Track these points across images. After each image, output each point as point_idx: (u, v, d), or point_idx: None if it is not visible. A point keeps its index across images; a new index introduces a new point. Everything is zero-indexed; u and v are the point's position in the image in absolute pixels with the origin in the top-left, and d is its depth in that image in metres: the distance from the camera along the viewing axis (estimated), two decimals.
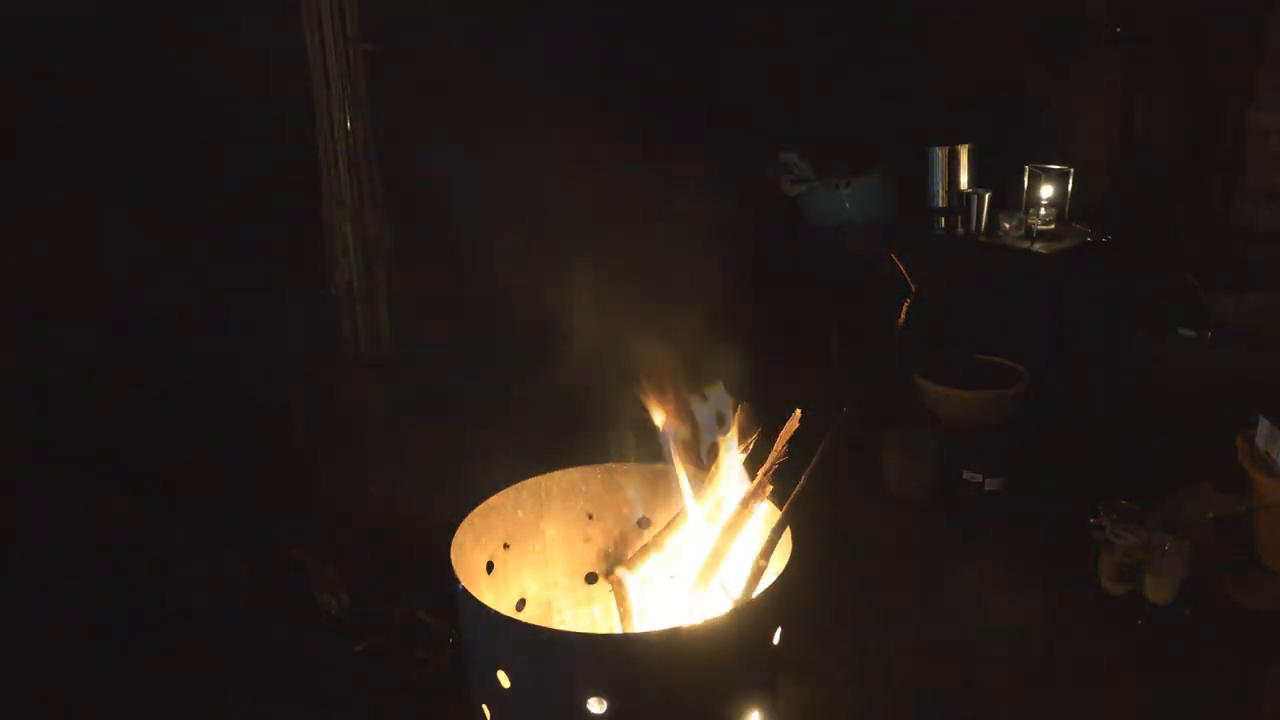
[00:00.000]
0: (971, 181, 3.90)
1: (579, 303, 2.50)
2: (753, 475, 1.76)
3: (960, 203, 3.82)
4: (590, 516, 1.98)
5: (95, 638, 2.23)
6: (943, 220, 3.87)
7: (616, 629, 1.85)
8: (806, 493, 1.68)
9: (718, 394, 1.80)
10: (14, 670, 2.15)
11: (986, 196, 3.75)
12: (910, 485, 3.13)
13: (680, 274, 2.85)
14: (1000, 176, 3.88)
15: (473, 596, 1.53)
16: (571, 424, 2.57)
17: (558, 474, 1.95)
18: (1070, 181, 3.74)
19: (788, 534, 1.67)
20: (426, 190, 3.13)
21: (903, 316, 1.75)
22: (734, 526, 1.75)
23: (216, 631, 2.28)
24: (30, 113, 2.90)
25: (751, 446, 1.82)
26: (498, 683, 1.52)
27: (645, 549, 1.86)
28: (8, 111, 2.85)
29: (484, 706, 1.62)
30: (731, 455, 1.81)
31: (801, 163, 4.21)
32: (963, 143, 3.90)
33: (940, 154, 3.88)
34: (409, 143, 3.15)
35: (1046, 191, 3.72)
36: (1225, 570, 2.60)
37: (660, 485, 1.95)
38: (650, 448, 1.86)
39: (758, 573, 1.63)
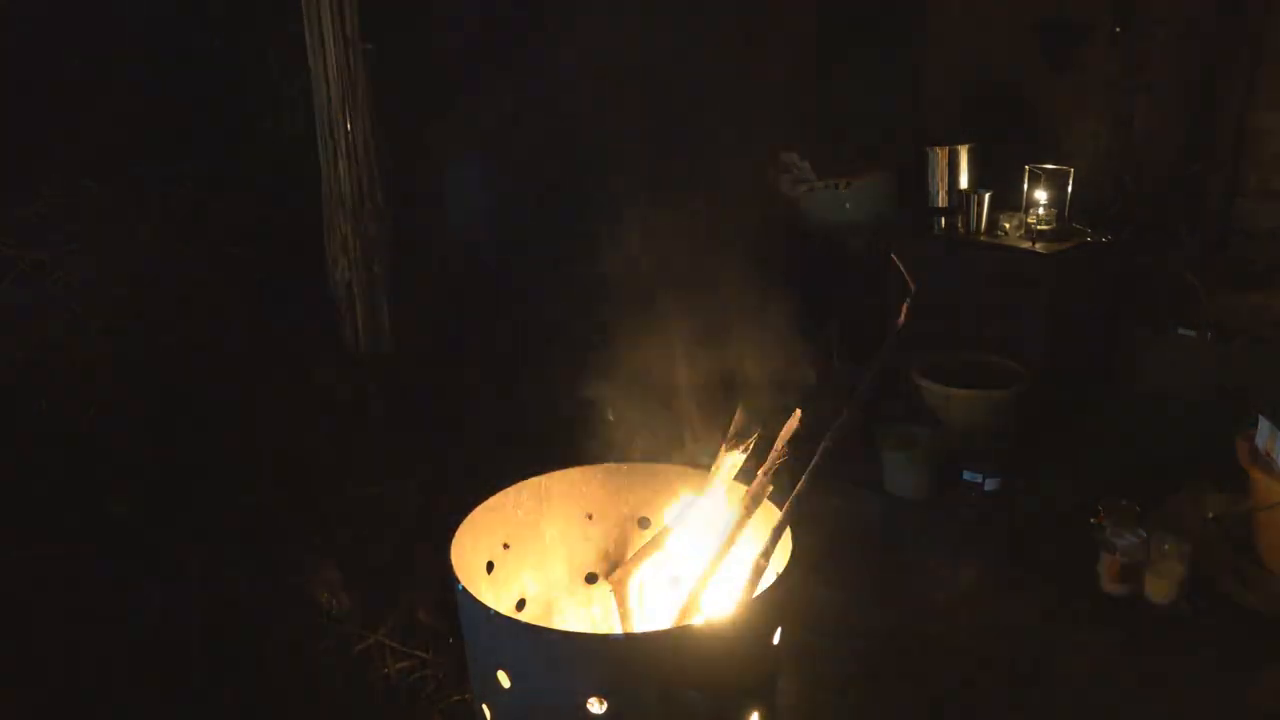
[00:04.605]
0: (971, 181, 3.90)
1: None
2: (753, 475, 1.77)
3: (960, 203, 3.82)
4: (590, 516, 1.98)
5: (93, 639, 2.23)
6: (943, 220, 3.87)
7: (616, 629, 1.85)
8: (806, 493, 1.68)
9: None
10: (13, 671, 2.14)
11: (986, 196, 3.75)
12: (910, 485, 3.13)
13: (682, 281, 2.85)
14: (1000, 176, 3.88)
15: (473, 596, 1.53)
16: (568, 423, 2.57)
17: (558, 474, 1.95)
18: (1070, 181, 3.74)
19: (788, 534, 1.67)
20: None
21: (903, 316, 1.74)
22: (735, 527, 1.75)
23: (216, 632, 2.28)
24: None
25: (751, 446, 1.82)
26: (498, 683, 1.52)
27: (645, 549, 1.86)
28: None
29: (484, 706, 1.62)
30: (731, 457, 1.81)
31: (801, 163, 4.21)
32: (963, 143, 3.90)
33: (940, 154, 3.88)
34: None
35: (1046, 192, 3.73)
36: (1225, 570, 2.60)
37: (660, 485, 1.95)
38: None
39: (758, 573, 1.63)
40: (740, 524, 1.74)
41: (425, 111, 3.57)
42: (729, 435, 1.82)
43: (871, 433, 3.21)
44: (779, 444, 1.73)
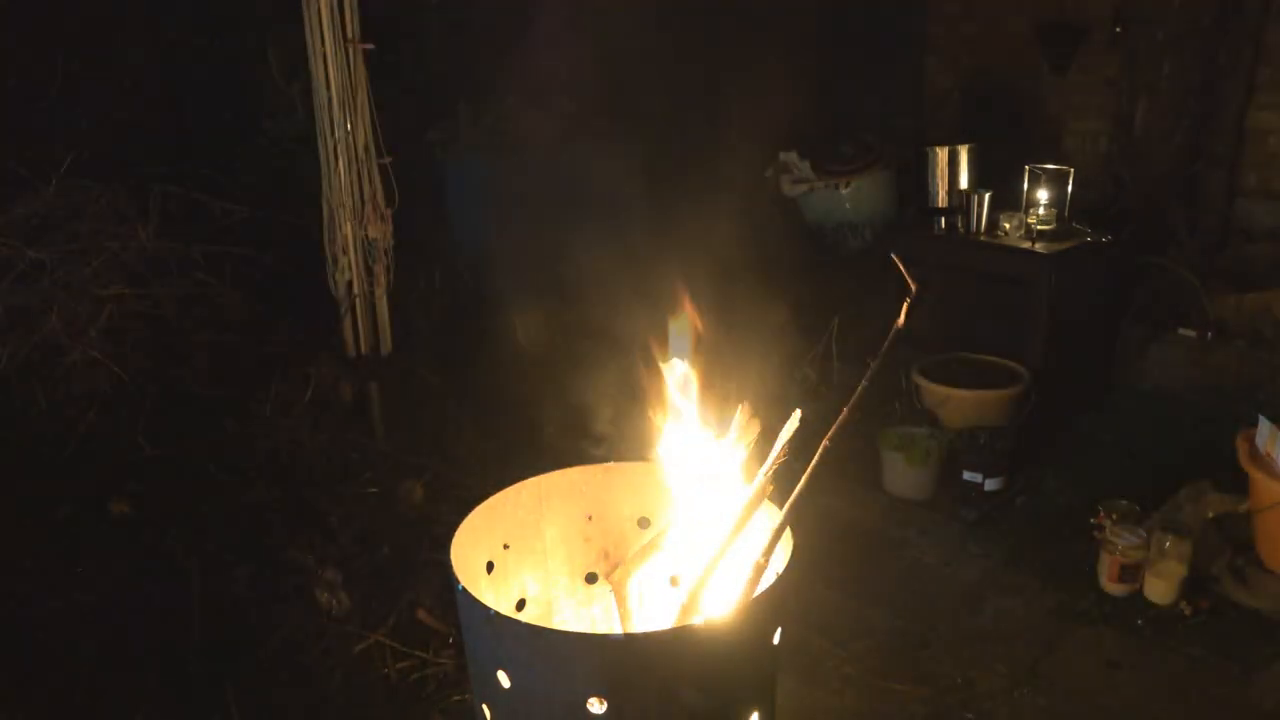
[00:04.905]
0: (971, 181, 3.89)
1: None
2: (753, 475, 1.76)
3: (960, 203, 3.82)
4: (590, 517, 1.98)
5: (93, 638, 2.23)
6: (943, 220, 3.86)
7: (616, 629, 1.85)
8: (806, 493, 1.68)
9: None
10: (13, 671, 2.14)
11: (986, 196, 3.75)
12: (910, 485, 3.13)
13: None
14: (1000, 176, 3.88)
15: (473, 596, 1.53)
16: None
17: (558, 474, 1.95)
18: (1070, 181, 3.74)
19: (788, 534, 1.67)
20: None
21: (902, 316, 1.74)
22: (736, 527, 1.75)
23: (216, 632, 2.28)
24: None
25: (751, 446, 1.82)
26: (498, 683, 1.52)
27: (645, 549, 1.86)
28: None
29: (484, 706, 1.62)
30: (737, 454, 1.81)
31: (801, 163, 4.21)
32: (963, 143, 3.90)
33: (940, 154, 3.88)
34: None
35: (1046, 192, 3.72)
36: (1225, 570, 2.60)
37: (660, 485, 1.95)
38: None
39: (758, 573, 1.63)
40: (740, 524, 1.74)
41: (425, 111, 3.58)
42: (730, 435, 1.82)
43: (871, 433, 3.21)
44: (779, 444, 1.73)
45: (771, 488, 1.74)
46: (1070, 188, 3.75)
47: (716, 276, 2.98)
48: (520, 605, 1.93)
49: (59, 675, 2.14)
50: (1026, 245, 3.59)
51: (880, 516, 3.08)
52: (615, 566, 1.91)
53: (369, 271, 3.14)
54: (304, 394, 2.99)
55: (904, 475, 3.13)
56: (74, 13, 2.99)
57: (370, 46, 2.94)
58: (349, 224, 3.03)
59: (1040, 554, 2.82)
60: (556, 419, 2.94)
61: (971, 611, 2.59)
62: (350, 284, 3.12)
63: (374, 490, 2.78)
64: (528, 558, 1.93)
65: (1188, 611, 2.51)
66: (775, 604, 1.59)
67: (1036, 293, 3.53)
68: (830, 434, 1.70)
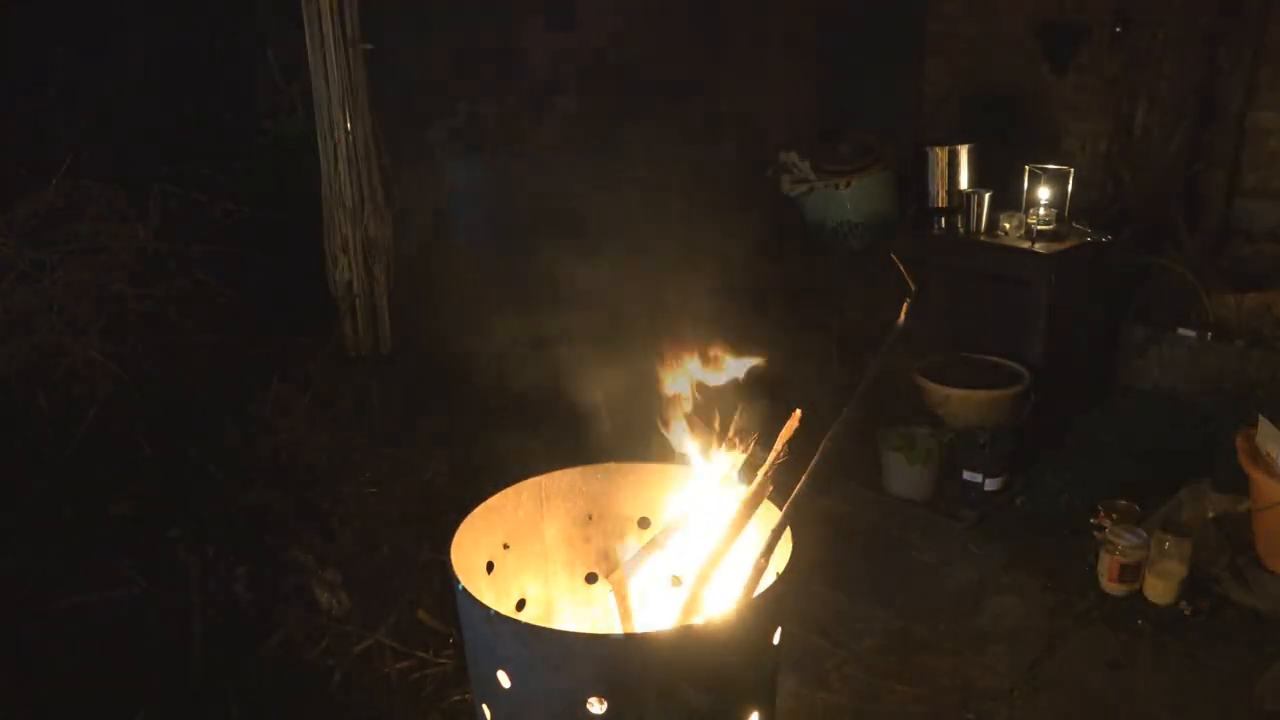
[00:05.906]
0: (971, 181, 3.89)
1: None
2: (753, 475, 1.76)
3: (960, 203, 3.82)
4: (590, 516, 1.98)
5: (94, 638, 2.23)
6: (943, 220, 3.86)
7: (616, 629, 1.85)
8: (806, 493, 1.68)
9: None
10: (13, 671, 2.14)
11: (986, 196, 3.75)
12: (910, 485, 3.13)
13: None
14: (1000, 176, 3.88)
15: (473, 596, 1.53)
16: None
17: (558, 474, 1.95)
18: (1070, 181, 3.74)
19: (788, 534, 1.67)
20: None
21: (903, 316, 1.74)
22: (736, 527, 1.75)
23: (216, 631, 2.28)
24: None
25: (751, 447, 1.82)
26: (498, 683, 1.52)
27: (645, 549, 1.86)
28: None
29: (484, 706, 1.62)
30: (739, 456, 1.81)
31: (801, 163, 4.21)
32: (963, 143, 3.89)
33: (940, 154, 3.88)
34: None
35: (1046, 191, 3.72)
36: (1225, 570, 2.60)
37: (660, 485, 1.95)
38: None
39: (758, 573, 1.63)
40: (740, 524, 1.74)
41: (425, 111, 3.58)
42: (729, 435, 1.82)
43: (871, 432, 3.21)
44: (779, 444, 1.73)
45: (771, 488, 1.74)
46: (1070, 188, 3.75)
47: (716, 277, 2.99)
48: (520, 605, 1.93)
49: (60, 675, 2.14)
50: (1026, 245, 3.59)
51: (880, 516, 3.08)
52: (615, 566, 1.91)
53: (369, 271, 3.14)
54: (304, 394, 2.99)
55: (904, 475, 3.13)
56: (74, 12, 2.99)
57: (370, 46, 2.94)
58: (349, 224, 3.03)
59: (1040, 554, 2.82)
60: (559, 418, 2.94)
61: (971, 611, 2.59)
62: (350, 284, 3.12)
63: (374, 490, 2.77)
64: (528, 558, 1.93)
65: (1188, 611, 2.51)
66: (775, 604, 1.59)
67: (1036, 293, 3.53)
68: (830, 434, 1.70)
